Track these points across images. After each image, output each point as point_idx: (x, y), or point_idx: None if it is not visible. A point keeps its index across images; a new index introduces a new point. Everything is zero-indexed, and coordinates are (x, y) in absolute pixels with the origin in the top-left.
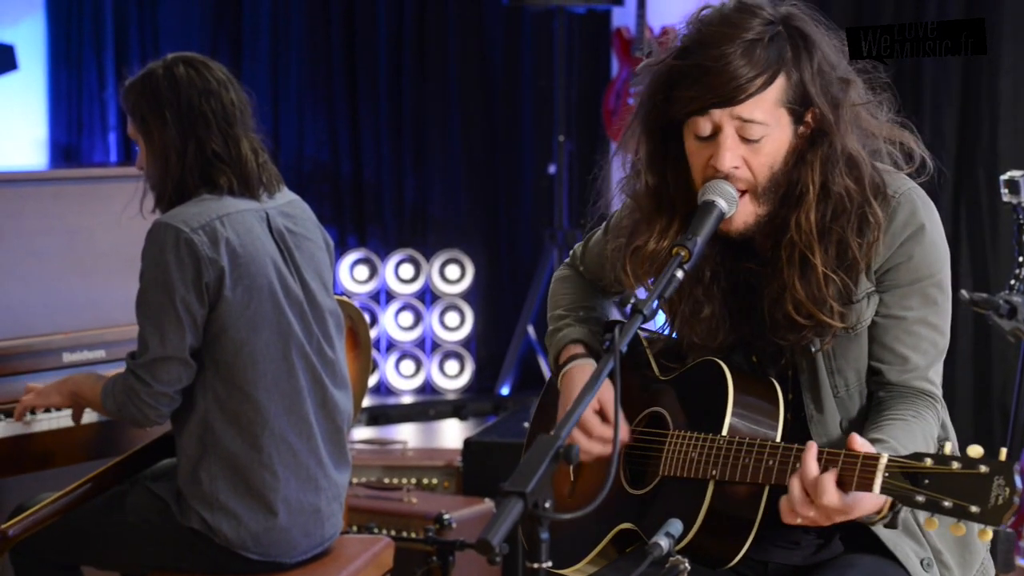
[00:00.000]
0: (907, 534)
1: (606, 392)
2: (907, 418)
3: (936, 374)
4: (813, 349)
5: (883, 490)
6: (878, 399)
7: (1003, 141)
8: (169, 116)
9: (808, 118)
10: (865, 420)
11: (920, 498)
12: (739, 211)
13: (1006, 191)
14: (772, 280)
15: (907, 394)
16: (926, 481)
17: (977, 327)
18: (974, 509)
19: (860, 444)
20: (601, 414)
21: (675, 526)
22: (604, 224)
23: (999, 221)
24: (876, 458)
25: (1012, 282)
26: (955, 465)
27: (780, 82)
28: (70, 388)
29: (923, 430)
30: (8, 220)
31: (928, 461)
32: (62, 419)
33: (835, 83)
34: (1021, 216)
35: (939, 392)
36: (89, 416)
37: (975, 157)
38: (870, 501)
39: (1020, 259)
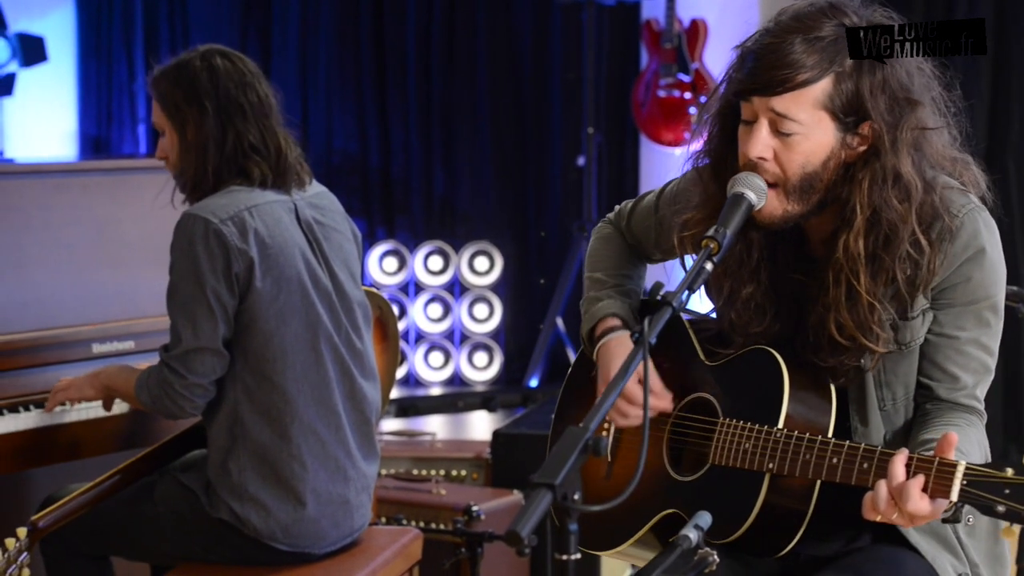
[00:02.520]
0: (946, 548)
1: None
2: (961, 425)
3: (982, 393)
4: (863, 361)
5: (961, 498)
6: (925, 410)
7: None
8: (209, 106)
9: (864, 131)
10: (909, 433)
11: (1001, 508)
12: (766, 204)
13: None
14: (819, 297)
15: (955, 408)
16: (1007, 491)
17: (1006, 320)
18: None
19: (950, 448)
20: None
21: (704, 518)
22: (659, 191)
23: None
24: (954, 465)
25: None
26: None
27: (825, 84)
28: (103, 381)
29: (978, 438)
30: (38, 211)
31: (1009, 471)
32: (91, 409)
33: (900, 102)
34: None
35: (983, 409)
36: (119, 407)
37: (1005, 148)
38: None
39: None
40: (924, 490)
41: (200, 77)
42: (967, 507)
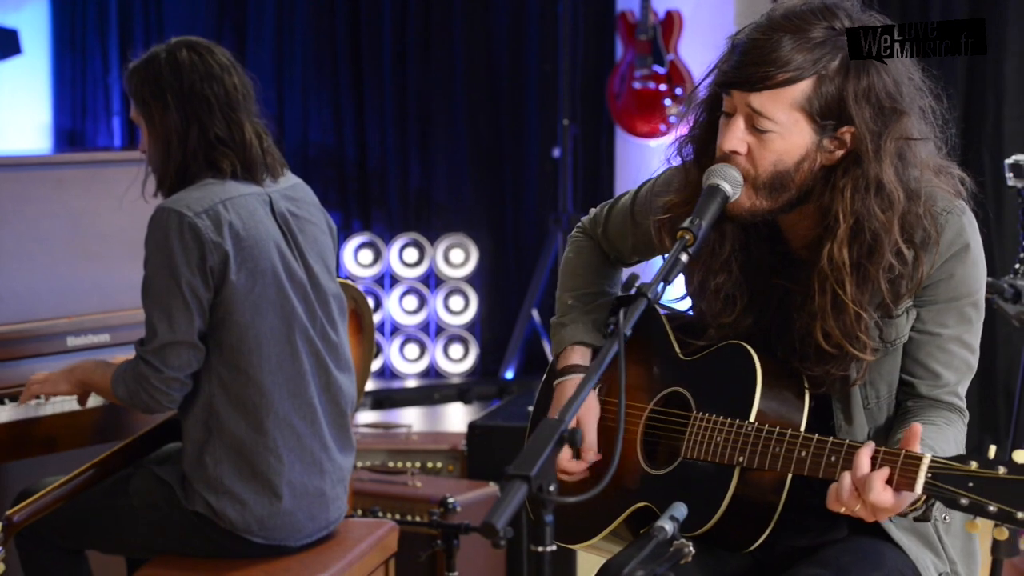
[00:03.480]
0: (928, 547)
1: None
2: (939, 423)
3: (964, 389)
4: (851, 379)
5: (926, 490)
6: (906, 407)
7: (1008, 125)
8: (171, 100)
9: (844, 136)
10: (891, 430)
11: (964, 501)
12: (737, 197)
13: (1011, 175)
14: (804, 304)
15: (936, 405)
16: (970, 484)
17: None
18: (1020, 515)
19: (915, 440)
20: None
21: (680, 510)
22: (634, 192)
23: (1004, 205)
24: (919, 458)
25: (1017, 266)
26: (1001, 470)
27: (805, 86)
28: (78, 376)
29: (955, 436)
30: (12, 204)
31: (973, 464)
32: (67, 403)
33: (886, 111)
34: None
35: (964, 406)
36: (94, 400)
37: (980, 141)
38: (911, 497)
39: None
40: (889, 483)
41: (163, 71)
42: (939, 504)
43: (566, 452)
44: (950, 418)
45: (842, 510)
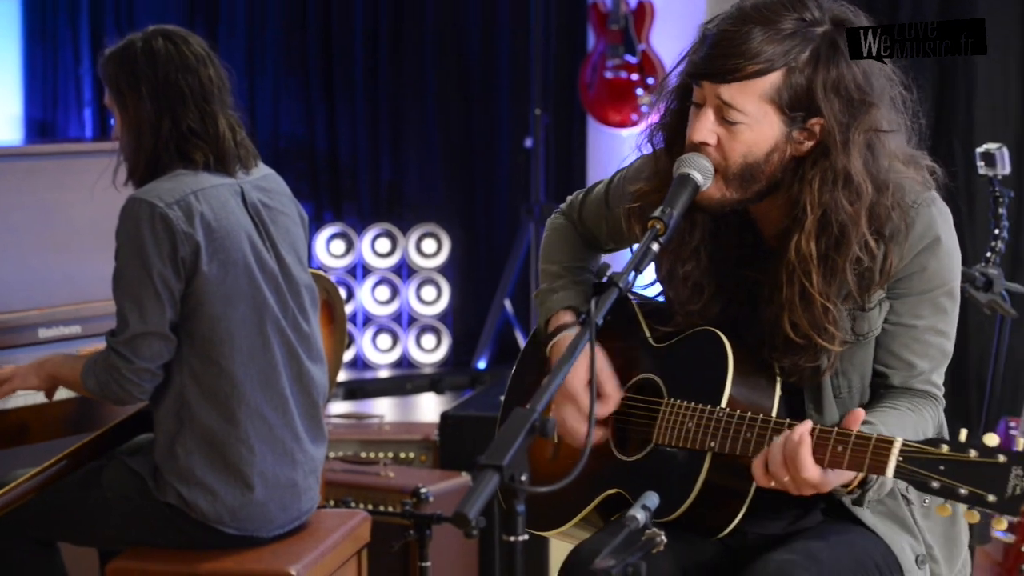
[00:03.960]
0: (904, 529)
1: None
2: (902, 408)
3: (940, 377)
4: (821, 370)
5: (897, 473)
6: (878, 395)
7: (979, 114)
8: (145, 90)
9: (814, 125)
10: None
11: (935, 484)
12: (707, 187)
13: (982, 164)
14: (772, 295)
15: (907, 392)
16: (941, 467)
17: None
18: (991, 498)
19: (855, 423)
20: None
21: (651, 499)
22: (608, 180)
23: (975, 194)
24: (891, 441)
25: (988, 255)
26: (972, 453)
27: (774, 78)
28: (48, 371)
29: (915, 423)
30: None
31: (944, 448)
32: (38, 395)
33: (855, 103)
34: (997, 189)
35: (940, 394)
36: (65, 392)
37: (952, 130)
38: (843, 475)
39: (996, 231)
40: (855, 467)
41: (139, 60)
42: (873, 490)
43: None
44: (917, 404)
45: (771, 484)
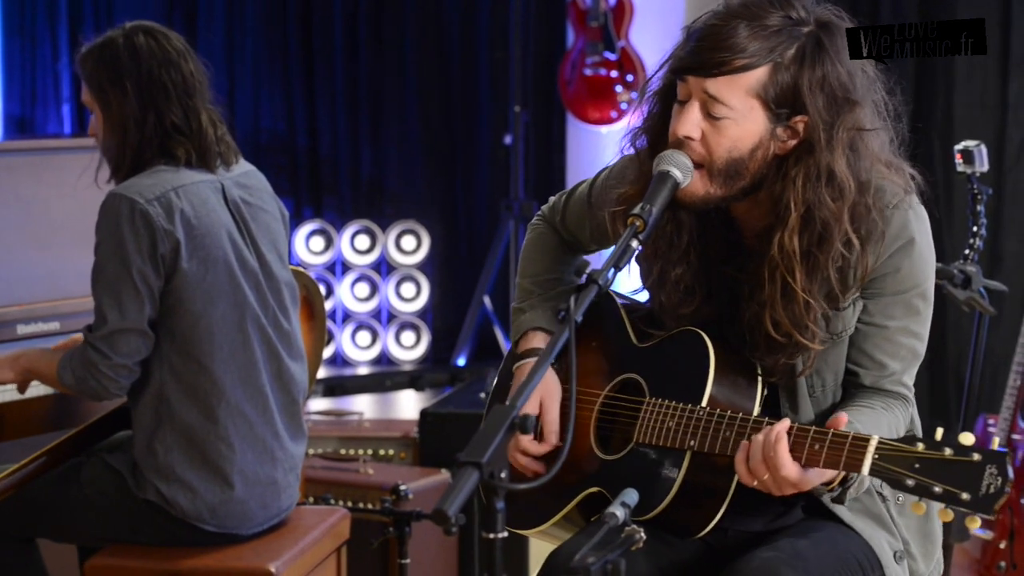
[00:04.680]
0: (881, 526)
1: (550, 386)
2: (875, 407)
3: (910, 378)
4: (798, 370)
5: (873, 471)
6: (850, 394)
7: (958, 111)
8: (129, 86)
9: (798, 123)
10: None
11: (910, 482)
12: (689, 183)
13: (960, 161)
14: (753, 293)
15: (879, 393)
16: (917, 466)
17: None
18: (965, 496)
19: (844, 423)
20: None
21: (631, 496)
22: (590, 181)
23: (954, 191)
24: (867, 439)
25: (966, 252)
26: (947, 451)
27: (761, 73)
28: (23, 365)
29: (889, 421)
30: None
31: (920, 446)
32: (9, 391)
33: (839, 101)
34: (975, 186)
35: (911, 394)
36: (40, 388)
37: (930, 128)
38: (823, 474)
39: (974, 229)
40: (832, 465)
41: (121, 56)
42: (853, 487)
43: (526, 435)
44: (889, 404)
45: (753, 483)
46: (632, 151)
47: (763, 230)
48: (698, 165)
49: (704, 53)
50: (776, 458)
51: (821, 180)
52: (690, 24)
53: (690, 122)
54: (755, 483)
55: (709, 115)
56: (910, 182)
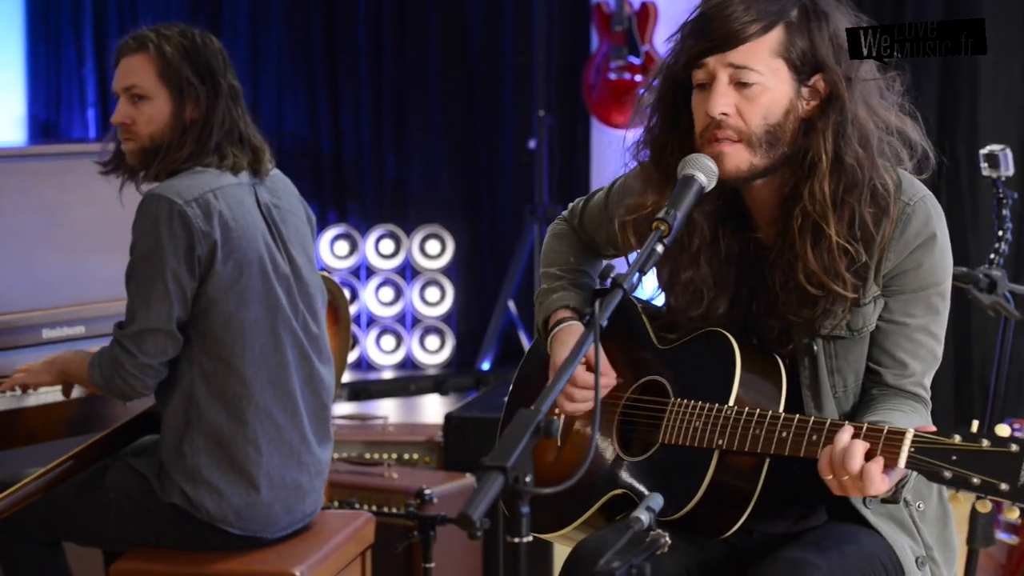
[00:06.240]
0: (904, 531)
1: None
2: (904, 410)
3: (929, 380)
4: (815, 348)
5: (909, 464)
6: (871, 395)
7: (983, 116)
8: (215, 85)
9: (818, 82)
10: (856, 417)
11: (947, 474)
12: (731, 157)
13: (986, 165)
14: (783, 252)
15: (901, 394)
16: (953, 457)
17: (957, 301)
18: (1004, 487)
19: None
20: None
21: (656, 500)
22: (608, 187)
23: (979, 195)
24: (903, 432)
25: (992, 256)
26: (984, 443)
27: (777, 33)
28: (59, 367)
29: (918, 423)
30: None
31: (956, 438)
32: (50, 394)
33: (847, 54)
34: (1001, 190)
35: (929, 397)
36: (78, 391)
37: (955, 132)
38: (898, 475)
39: (1000, 233)
40: (870, 458)
41: (216, 57)
42: (915, 490)
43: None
44: (915, 407)
45: (831, 478)
46: (635, 164)
47: (780, 213)
48: (737, 140)
49: (717, 32)
50: (867, 474)
51: (847, 128)
52: (680, 25)
53: (722, 98)
54: (837, 484)
55: (740, 84)
56: (917, 140)
